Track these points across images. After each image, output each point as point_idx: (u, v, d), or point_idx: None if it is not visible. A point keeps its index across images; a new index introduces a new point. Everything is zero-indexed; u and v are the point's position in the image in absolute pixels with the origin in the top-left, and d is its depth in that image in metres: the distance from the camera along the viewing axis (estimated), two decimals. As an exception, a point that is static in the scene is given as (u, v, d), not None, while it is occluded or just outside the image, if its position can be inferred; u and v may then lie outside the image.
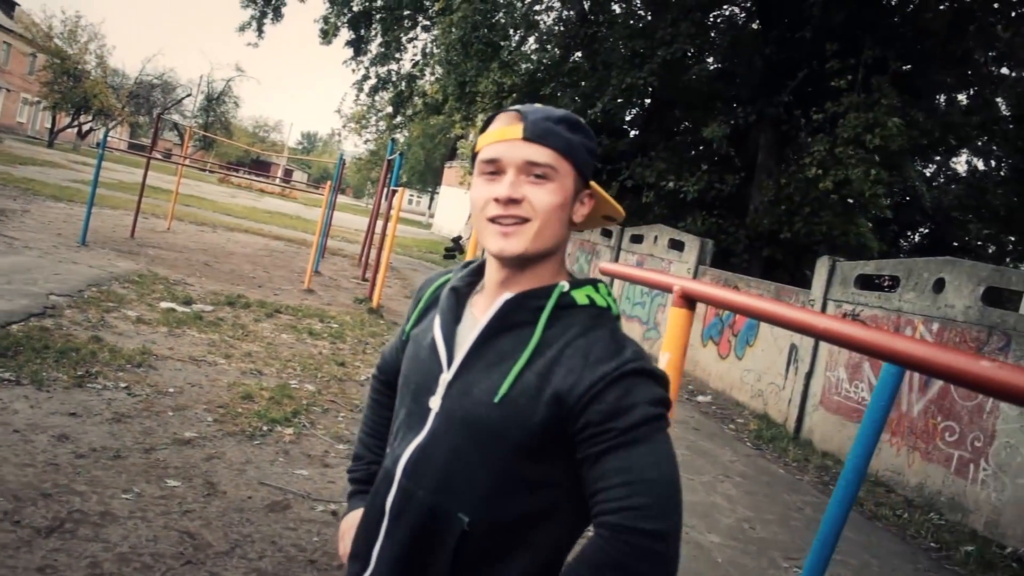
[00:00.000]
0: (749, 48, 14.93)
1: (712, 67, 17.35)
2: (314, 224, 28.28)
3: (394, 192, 13.50)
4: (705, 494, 6.54)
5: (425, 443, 1.40)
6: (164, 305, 8.74)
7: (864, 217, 14.70)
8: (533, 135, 1.37)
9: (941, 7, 14.07)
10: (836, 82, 12.47)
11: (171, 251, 13.54)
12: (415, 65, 20.61)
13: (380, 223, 16.96)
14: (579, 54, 18.35)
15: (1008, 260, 21.85)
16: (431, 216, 61.22)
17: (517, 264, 1.41)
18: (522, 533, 1.35)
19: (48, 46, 46.50)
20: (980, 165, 20.57)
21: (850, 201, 13.76)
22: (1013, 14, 14.39)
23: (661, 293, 11.90)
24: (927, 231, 21.92)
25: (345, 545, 1.61)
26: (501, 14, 17.13)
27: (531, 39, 18.76)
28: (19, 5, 53.65)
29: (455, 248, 27.62)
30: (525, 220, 1.37)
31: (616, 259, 16.41)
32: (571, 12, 19.01)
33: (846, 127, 12.05)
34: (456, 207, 45.00)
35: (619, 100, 16.27)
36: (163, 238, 15.12)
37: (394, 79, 20.79)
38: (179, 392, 5.92)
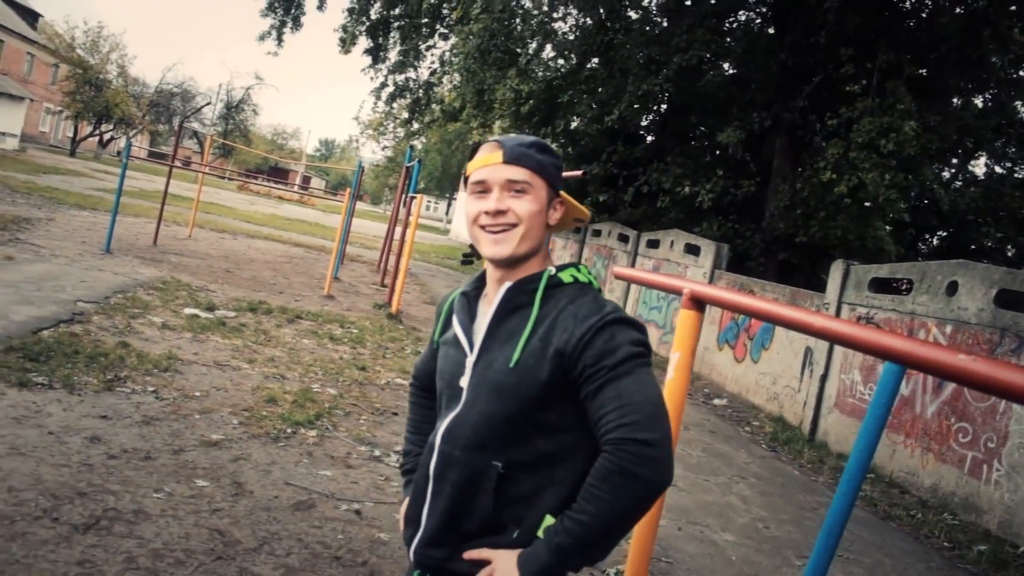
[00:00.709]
0: (764, 54, 15.03)
1: (727, 73, 17.43)
2: (333, 231, 28.54)
3: (412, 199, 13.68)
4: (720, 494, 6.63)
5: (459, 413, 1.73)
6: (188, 311, 8.92)
7: (881, 220, 14.74)
8: (510, 159, 1.74)
9: (956, 11, 14.09)
10: (851, 87, 12.55)
11: (193, 258, 13.75)
12: (433, 73, 20.80)
13: (398, 229, 17.18)
14: (595, 61, 18.49)
15: (1026, 263, 21.75)
16: (448, 222, 61.49)
17: (508, 264, 1.76)
18: (547, 471, 1.66)
19: (71, 56, 47.17)
20: (998, 169, 20.53)
21: (867, 205, 13.80)
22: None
23: (678, 298, 12.03)
24: (945, 234, 21.89)
25: (403, 524, 1.88)
26: (518, 22, 17.29)
27: (548, 47, 18.90)
28: (42, 16, 54.38)
29: (473, 254, 27.63)
30: (512, 226, 1.73)
31: (633, 264, 16.50)
32: (587, 20, 19.15)
33: (860, 132, 12.11)
34: (473, 213, 45.20)
35: (635, 106, 16.40)
36: (185, 245, 15.36)
37: (412, 86, 20.98)
38: (205, 396, 6.09)
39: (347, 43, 19.91)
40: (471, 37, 16.44)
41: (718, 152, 17.08)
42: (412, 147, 17.24)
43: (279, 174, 69.07)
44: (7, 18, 47.57)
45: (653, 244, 15.74)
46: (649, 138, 19.86)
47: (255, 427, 5.63)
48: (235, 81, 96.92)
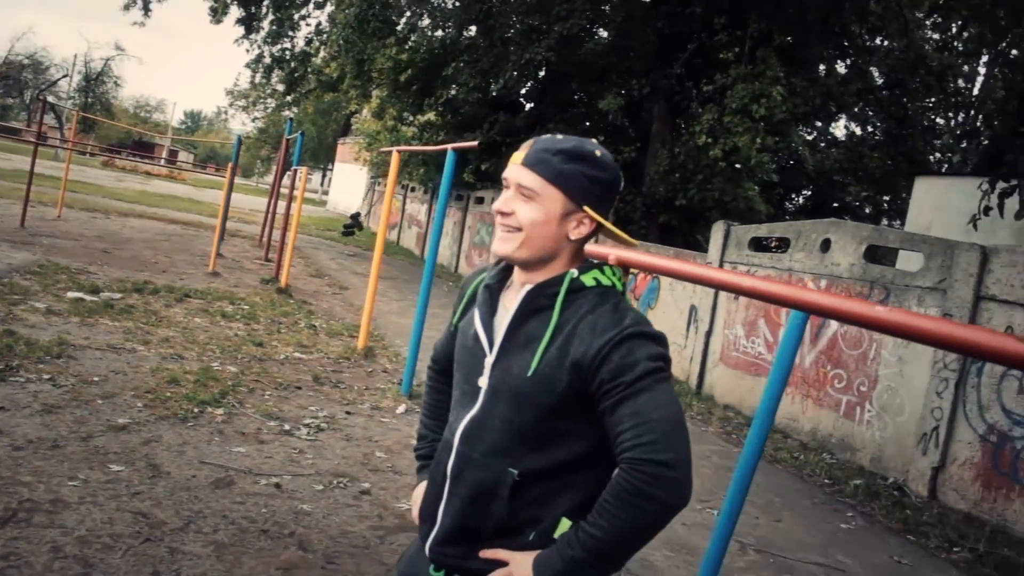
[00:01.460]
0: (642, 22, 15.38)
1: (606, 40, 17.76)
2: (207, 206, 27.67)
3: (296, 172, 13.47)
4: (621, 450, 6.93)
5: (478, 415, 1.71)
6: (71, 295, 8.60)
7: (752, 181, 15.41)
8: (528, 162, 1.68)
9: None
10: (724, 54, 13.03)
11: (66, 239, 13.17)
12: (309, 43, 20.34)
13: (277, 203, 16.85)
14: (474, 29, 18.48)
15: (883, 219, 23.21)
16: (325, 193, 60.37)
17: (520, 265, 1.74)
18: (562, 478, 1.66)
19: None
20: (858, 131, 21.72)
21: (738, 167, 14.39)
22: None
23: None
24: (810, 193, 23.06)
25: (416, 511, 1.89)
26: (395, -10, 17.11)
27: (425, 16, 18.75)
28: None
29: (354, 225, 27.28)
30: (517, 229, 1.68)
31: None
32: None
33: (734, 98, 12.63)
34: (351, 183, 44.51)
35: (515, 74, 16.54)
36: (55, 226, 14.66)
37: (287, 57, 20.45)
38: (104, 380, 5.94)
39: (218, 12, 19.22)
40: (349, 7, 16.17)
41: (598, 118, 17.44)
42: (292, 120, 16.90)
43: (144, 148, 66.18)
44: None
45: (538, 211, 15.98)
46: (529, 106, 20.04)
47: (161, 409, 5.55)
48: (94, 52, 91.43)
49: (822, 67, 17.09)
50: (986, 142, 14.44)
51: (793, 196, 23.72)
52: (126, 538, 3.66)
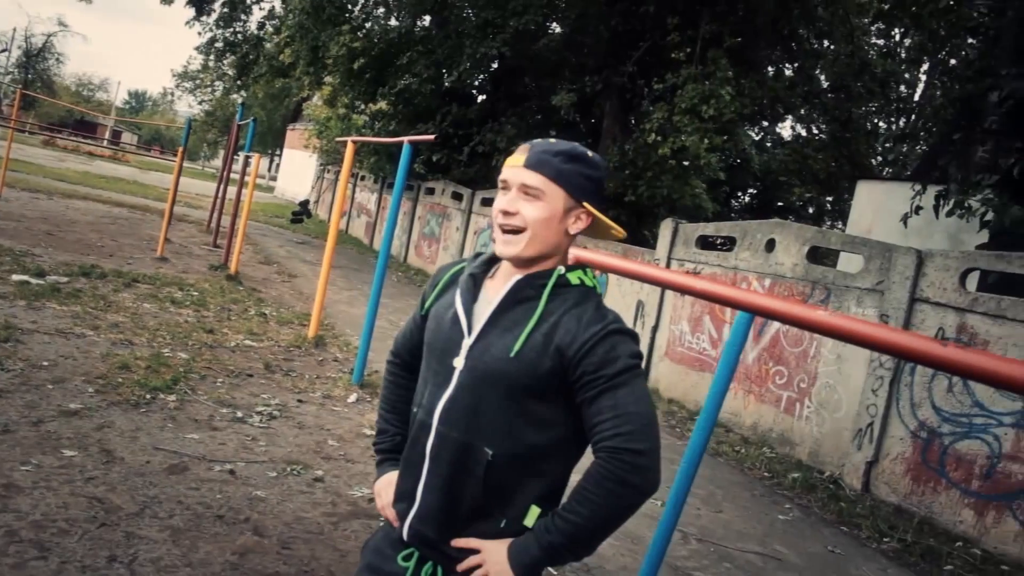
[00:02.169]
0: (596, 19, 15.54)
1: (558, 34, 17.89)
2: (153, 189, 27.21)
3: (248, 158, 13.37)
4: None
5: (454, 395, 1.78)
6: (16, 278, 8.47)
7: (699, 179, 15.70)
8: (530, 163, 1.78)
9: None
10: (676, 54, 13.26)
11: (8, 220, 12.88)
12: (261, 27, 20.12)
13: (226, 188, 16.68)
14: (428, 19, 18.48)
15: (826, 219, 23.77)
16: (273, 179, 59.62)
17: (522, 265, 1.83)
18: (535, 461, 1.76)
19: None
20: (803, 132, 22.20)
21: (686, 164, 14.63)
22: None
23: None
24: (756, 192, 23.53)
25: (383, 499, 1.96)
26: (350, -23, 17.03)
27: (380, 4, 18.69)
28: None
29: (302, 212, 27.05)
30: (521, 230, 1.77)
31: (467, 222, 16.84)
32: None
33: (684, 98, 12.86)
34: (300, 170, 44.05)
35: (468, 67, 16.61)
36: (-4, 206, 14.32)
37: (239, 41, 20.20)
38: (54, 365, 5.90)
39: (169, -7, 18.95)
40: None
41: (550, 113, 17.57)
42: (243, 105, 16.72)
43: (86, 128, 64.60)
44: None
45: (487, 202, 16.09)
46: (482, 98, 20.11)
47: (112, 394, 5.54)
48: (36, 27, 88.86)
49: (770, 69, 17.46)
50: (924, 148, 14.92)
51: (739, 195, 24.18)
52: (82, 522, 3.69)
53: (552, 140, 1.86)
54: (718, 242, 13.53)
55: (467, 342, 1.80)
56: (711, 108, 12.64)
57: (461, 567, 1.75)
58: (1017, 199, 8.05)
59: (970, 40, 12.55)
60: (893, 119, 22.60)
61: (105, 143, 48.04)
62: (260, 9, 29.06)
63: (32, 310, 7.37)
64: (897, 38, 19.91)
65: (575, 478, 1.79)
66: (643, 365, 1.78)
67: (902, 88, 22.01)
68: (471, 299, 1.86)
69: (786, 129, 24.25)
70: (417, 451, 1.83)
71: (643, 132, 13.94)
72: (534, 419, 1.74)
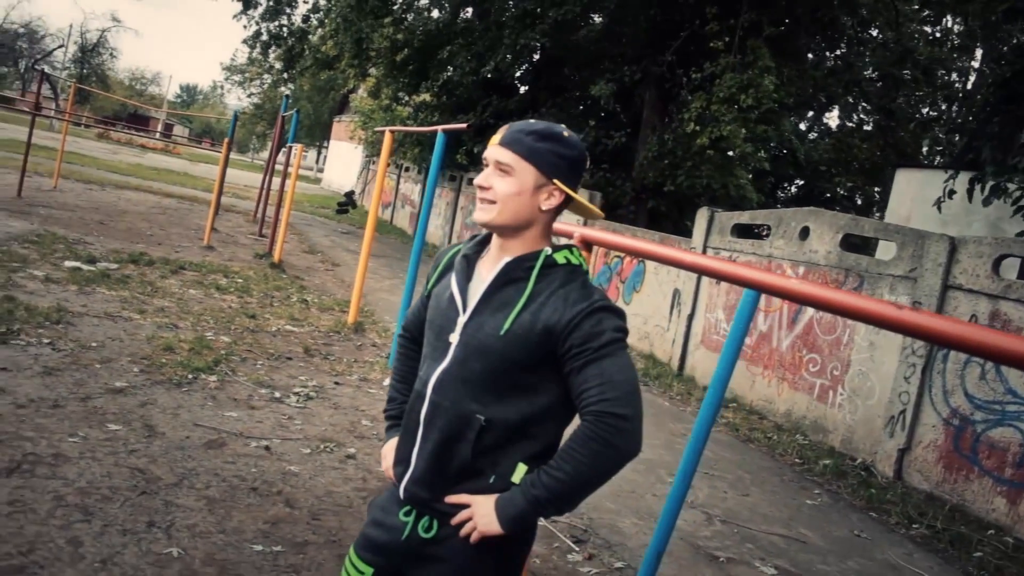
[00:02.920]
0: (635, 9, 15.53)
1: (598, 25, 17.90)
2: (201, 180, 27.76)
3: (291, 148, 13.64)
4: (599, 426, 7.19)
5: (448, 367, 1.91)
6: (69, 264, 8.80)
7: (744, 170, 15.63)
8: (503, 142, 1.90)
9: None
10: (715, 43, 13.22)
11: (63, 210, 13.33)
12: (306, 20, 20.41)
13: (272, 179, 17.00)
14: (470, 11, 18.61)
15: (874, 210, 23.46)
16: (320, 171, 60.34)
17: (497, 232, 1.95)
18: (523, 428, 1.87)
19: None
20: (849, 122, 21.92)
21: (730, 155, 14.59)
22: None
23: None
24: (802, 183, 23.29)
25: (386, 463, 2.12)
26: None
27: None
28: None
29: (347, 203, 27.40)
30: (493, 202, 1.91)
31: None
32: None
33: (721, 87, 12.83)
34: (346, 162, 44.49)
35: (508, 58, 16.70)
36: (51, 197, 14.80)
37: (284, 34, 20.53)
38: (102, 346, 6.16)
39: (218, -12, 19.30)
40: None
41: (590, 103, 17.61)
42: (288, 97, 17.03)
43: (139, 121, 65.95)
44: None
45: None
46: (523, 89, 20.20)
47: (156, 374, 5.78)
48: (90, 23, 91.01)
49: (810, 57, 17.28)
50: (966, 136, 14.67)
51: (785, 185, 23.95)
52: (124, 490, 3.90)
53: (532, 121, 1.98)
54: (763, 232, 13.50)
55: (462, 320, 1.92)
56: (749, 97, 12.59)
57: (454, 520, 1.88)
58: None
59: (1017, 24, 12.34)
60: (943, 106, 22.23)
61: (157, 136, 49.01)
62: (305, 2, 29.38)
63: (83, 295, 7.67)
64: (949, 24, 19.59)
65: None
66: (626, 339, 1.87)
67: (954, 76, 21.65)
68: (465, 279, 1.98)
69: (833, 119, 23.96)
70: (413, 419, 1.96)
71: (682, 122, 13.92)
72: (524, 389, 1.86)
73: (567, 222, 2.91)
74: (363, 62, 18.82)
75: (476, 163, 19.21)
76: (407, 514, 1.96)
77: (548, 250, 1.92)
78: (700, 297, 10.16)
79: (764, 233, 12.61)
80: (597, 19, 17.97)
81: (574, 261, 1.94)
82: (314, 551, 3.75)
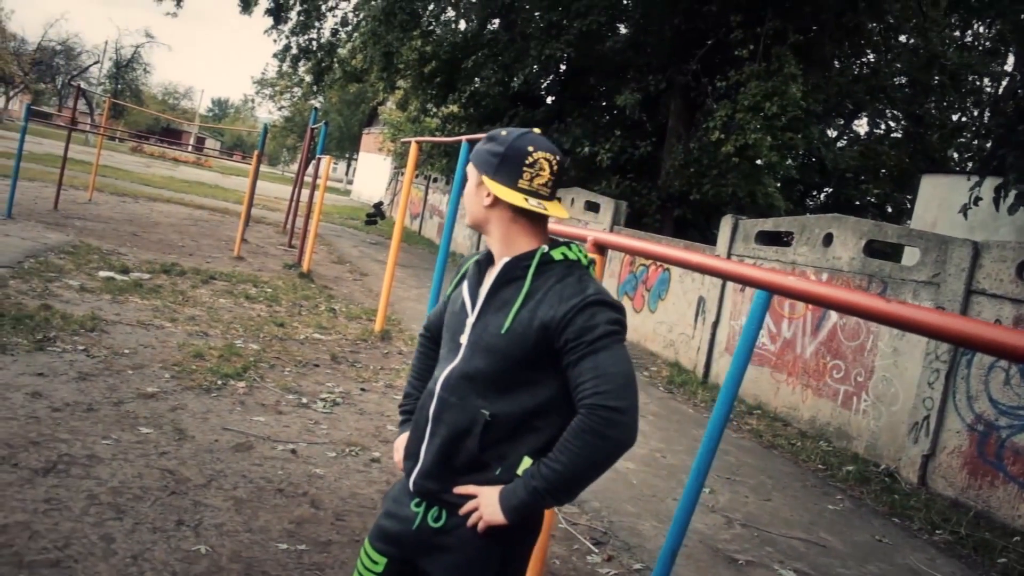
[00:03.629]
0: (660, 19, 15.59)
1: (624, 35, 17.98)
2: (233, 193, 28.16)
3: (319, 160, 13.84)
4: (622, 432, 7.24)
5: (456, 366, 2.01)
6: (103, 274, 9.02)
7: (771, 178, 15.61)
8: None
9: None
10: (739, 51, 13.23)
11: (97, 222, 13.63)
12: (335, 34, 20.68)
13: (301, 191, 17.23)
14: (496, 23, 18.76)
15: (903, 217, 23.27)
16: (350, 183, 60.86)
17: (481, 233, 2.13)
18: (527, 421, 1.95)
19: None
20: (877, 129, 21.78)
21: (758, 163, 14.56)
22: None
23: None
24: (830, 190, 23.17)
25: (398, 456, 2.21)
26: (421, -18, 17.41)
27: (449, 8, 19.06)
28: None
29: (376, 214, 27.61)
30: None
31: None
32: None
33: (746, 95, 12.84)
34: (375, 173, 44.90)
35: (535, 69, 16.80)
36: (86, 209, 15.14)
37: (314, 48, 20.81)
38: (134, 353, 6.33)
39: (250, 4, 19.63)
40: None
41: (616, 113, 17.66)
42: (316, 109, 17.26)
43: (172, 135, 66.99)
44: None
45: (556, 202, 16.25)
46: (549, 100, 20.30)
47: (187, 380, 5.93)
48: (124, 39, 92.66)
49: (838, 64, 17.20)
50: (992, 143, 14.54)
51: (814, 193, 23.83)
52: (155, 491, 4.03)
53: (512, 129, 2.11)
54: (786, 238, 13.48)
55: (470, 321, 2.02)
56: (774, 105, 12.59)
57: (462, 511, 1.97)
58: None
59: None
60: (974, 112, 22.00)
61: (189, 149, 49.77)
62: (333, 16, 29.84)
63: (116, 303, 7.86)
64: (980, 29, 19.42)
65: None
66: (625, 332, 1.92)
67: (985, 81, 21.43)
68: (476, 283, 2.09)
69: (862, 126, 23.82)
70: (423, 415, 2.06)
71: (707, 130, 13.94)
72: (527, 384, 1.93)
73: (578, 227, 3.00)
74: (391, 75, 19.01)
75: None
76: (417, 505, 2.04)
77: (545, 248, 2.00)
78: (725, 305, 10.18)
79: (788, 240, 12.61)
80: (622, 29, 18.05)
81: (572, 257, 2.01)
82: (338, 550, 3.85)
